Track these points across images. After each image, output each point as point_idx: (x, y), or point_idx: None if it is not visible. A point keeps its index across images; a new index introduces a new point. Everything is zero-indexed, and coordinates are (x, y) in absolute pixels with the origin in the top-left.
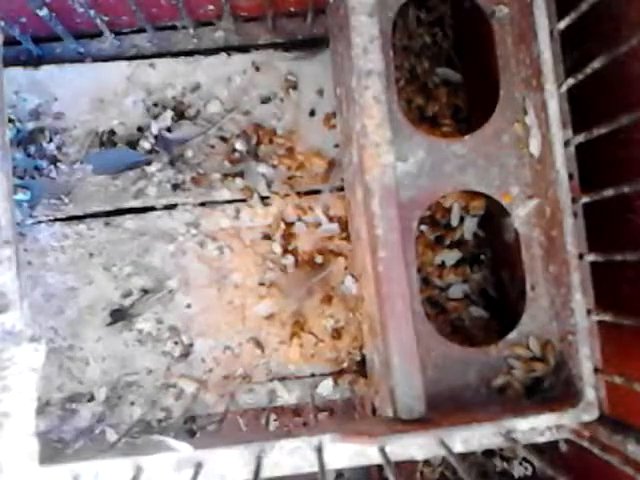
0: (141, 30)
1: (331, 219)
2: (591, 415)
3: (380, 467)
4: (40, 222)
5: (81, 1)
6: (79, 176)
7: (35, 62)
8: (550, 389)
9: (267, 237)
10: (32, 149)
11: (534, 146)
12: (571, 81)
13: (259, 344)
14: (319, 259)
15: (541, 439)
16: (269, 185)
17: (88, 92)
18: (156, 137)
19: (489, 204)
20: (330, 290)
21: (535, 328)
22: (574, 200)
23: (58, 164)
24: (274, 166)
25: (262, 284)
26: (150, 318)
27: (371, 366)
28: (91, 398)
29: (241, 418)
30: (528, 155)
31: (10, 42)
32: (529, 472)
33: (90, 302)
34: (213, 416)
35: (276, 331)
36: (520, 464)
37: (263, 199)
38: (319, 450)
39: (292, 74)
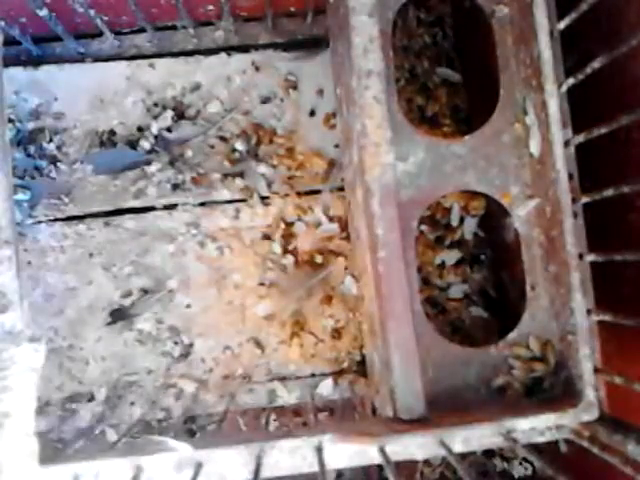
0: (141, 30)
1: (331, 219)
2: (591, 415)
3: (380, 467)
4: (40, 222)
5: (81, 1)
6: (79, 176)
7: (35, 62)
8: (550, 389)
9: (267, 237)
10: (32, 149)
11: (534, 146)
12: (571, 81)
13: (259, 344)
14: (319, 259)
15: (541, 439)
16: (269, 185)
17: (88, 92)
18: (156, 137)
19: (489, 204)
20: (330, 290)
21: (535, 328)
22: (574, 200)
23: (58, 164)
24: (274, 166)
25: (262, 284)
26: (150, 318)
27: (371, 366)
28: (91, 398)
29: (241, 418)
30: (528, 155)
31: (10, 42)
32: (529, 472)
33: (90, 302)
34: (213, 416)
35: (276, 331)
36: (520, 464)
37: (263, 199)
38: (319, 450)
39: (292, 74)
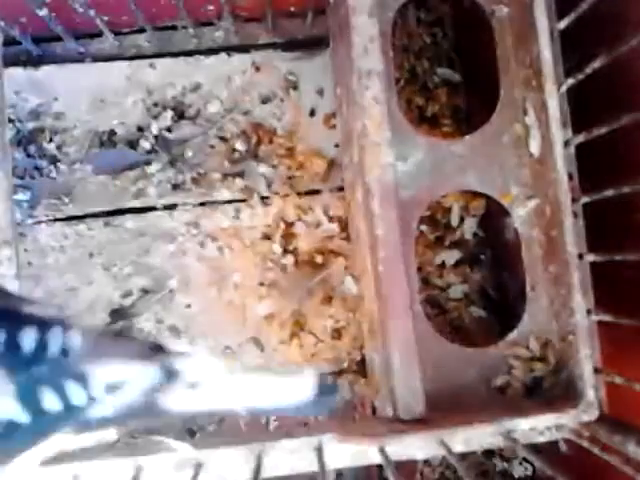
0: (141, 30)
1: (331, 219)
2: (591, 415)
3: (380, 467)
4: (40, 222)
5: (81, 1)
6: (79, 176)
7: (35, 62)
8: (550, 389)
9: (267, 237)
10: (32, 149)
11: (534, 146)
12: (571, 81)
13: (259, 344)
14: (319, 259)
15: (541, 439)
16: (269, 185)
17: (88, 92)
18: (156, 137)
19: (489, 204)
20: (330, 290)
21: (535, 328)
22: (574, 200)
23: (58, 164)
24: (274, 166)
25: (262, 284)
26: (150, 318)
27: (371, 366)
28: None
29: (241, 418)
30: (528, 155)
31: (10, 42)
32: (529, 472)
33: (90, 302)
34: (213, 416)
35: (276, 331)
36: (520, 464)
37: (263, 199)
38: (319, 450)
39: (292, 74)
